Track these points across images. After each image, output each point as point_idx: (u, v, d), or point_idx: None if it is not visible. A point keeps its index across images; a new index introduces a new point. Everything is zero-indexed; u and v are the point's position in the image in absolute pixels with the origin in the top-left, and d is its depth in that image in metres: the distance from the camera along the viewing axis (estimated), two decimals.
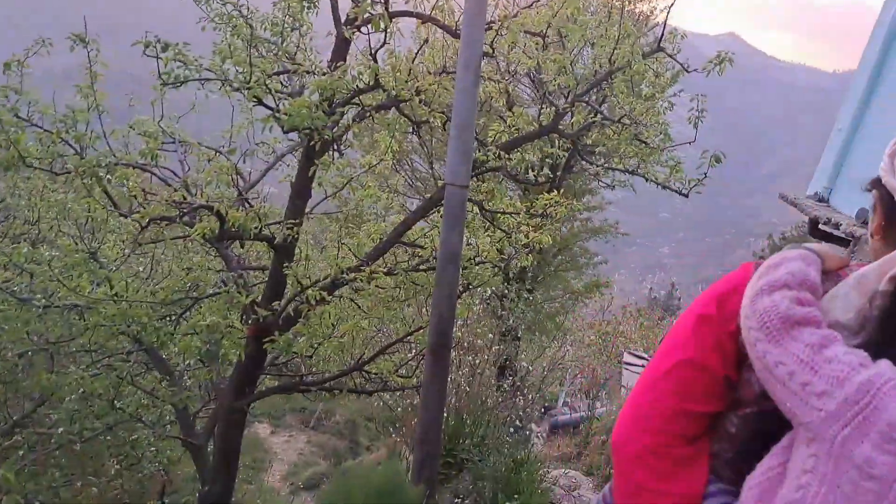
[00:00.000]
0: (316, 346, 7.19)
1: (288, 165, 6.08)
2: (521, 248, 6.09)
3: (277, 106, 4.83)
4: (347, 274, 5.12)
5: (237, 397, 6.73)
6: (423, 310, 7.76)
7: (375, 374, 6.92)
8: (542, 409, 14.32)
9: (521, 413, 13.05)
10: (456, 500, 5.84)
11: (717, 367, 1.25)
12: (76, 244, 5.76)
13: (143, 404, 8.10)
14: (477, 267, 5.95)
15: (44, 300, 5.57)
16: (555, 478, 6.40)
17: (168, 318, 5.97)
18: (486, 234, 6.10)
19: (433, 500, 5.15)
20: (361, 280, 5.06)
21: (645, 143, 5.60)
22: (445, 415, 6.45)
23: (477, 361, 13.14)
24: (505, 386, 11.51)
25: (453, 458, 6.34)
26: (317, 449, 17.84)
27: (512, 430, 12.45)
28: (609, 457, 7.28)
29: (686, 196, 5.43)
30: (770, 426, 1.17)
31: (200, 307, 5.96)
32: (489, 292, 9.29)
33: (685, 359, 1.28)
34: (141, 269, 7.09)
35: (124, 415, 7.26)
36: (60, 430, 9.14)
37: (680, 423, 1.27)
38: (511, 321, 11.78)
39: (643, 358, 18.88)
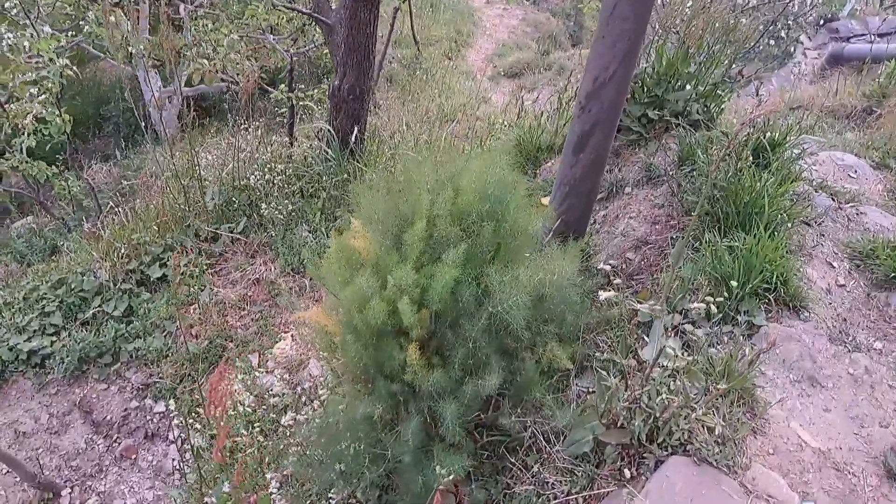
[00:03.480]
0: None
1: None
2: None
3: None
4: None
5: None
6: None
7: None
8: (820, 21, 10.66)
9: (789, 21, 9.68)
10: (647, 189, 3.67)
11: None
12: None
13: None
14: None
15: None
16: (821, 166, 3.92)
17: None
18: None
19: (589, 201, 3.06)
20: None
21: None
22: (652, 41, 3.90)
23: None
24: None
25: (660, 109, 3.98)
26: (530, 29, 15.59)
27: (772, 41, 9.33)
28: None
29: None
30: None
31: None
32: None
33: None
34: None
35: None
36: None
37: None
38: None
39: None
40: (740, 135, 3.31)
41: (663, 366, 2.00)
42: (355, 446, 2.24)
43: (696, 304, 1.97)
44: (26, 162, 6.01)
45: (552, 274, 2.16)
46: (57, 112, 5.71)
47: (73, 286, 4.97)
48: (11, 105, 5.87)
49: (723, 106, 4.03)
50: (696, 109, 3.97)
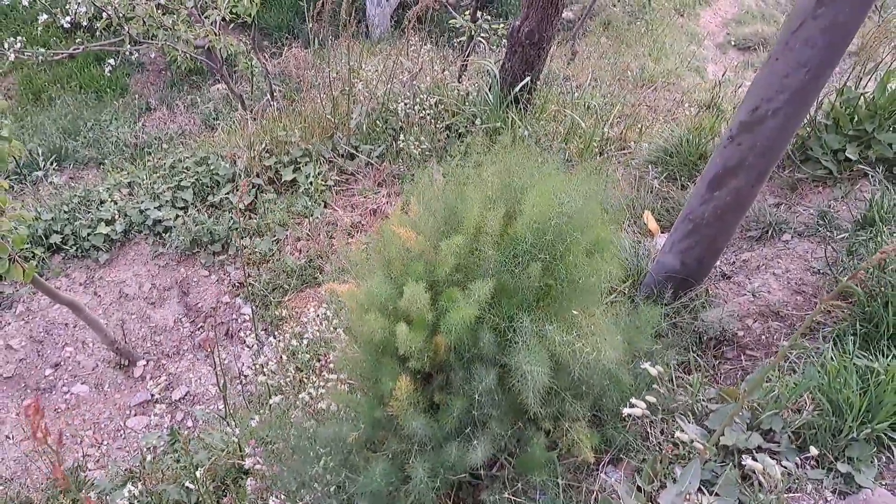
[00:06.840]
0: None
1: None
2: None
3: None
4: None
5: None
6: None
7: None
8: None
9: None
10: (810, 244, 2.96)
11: None
12: None
13: None
14: None
15: None
16: None
17: None
18: None
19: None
20: None
21: None
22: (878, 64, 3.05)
23: None
24: None
25: (865, 149, 3.17)
26: (786, 0, 13.86)
27: None
28: None
29: None
30: None
31: None
32: None
33: None
34: None
35: None
36: None
37: None
38: None
39: None
40: None
41: None
42: (326, 460, 1.99)
43: (770, 464, 1.44)
44: (214, 34, 6.17)
45: (592, 350, 1.71)
46: None
47: (211, 167, 5.09)
48: None
49: None
50: None
